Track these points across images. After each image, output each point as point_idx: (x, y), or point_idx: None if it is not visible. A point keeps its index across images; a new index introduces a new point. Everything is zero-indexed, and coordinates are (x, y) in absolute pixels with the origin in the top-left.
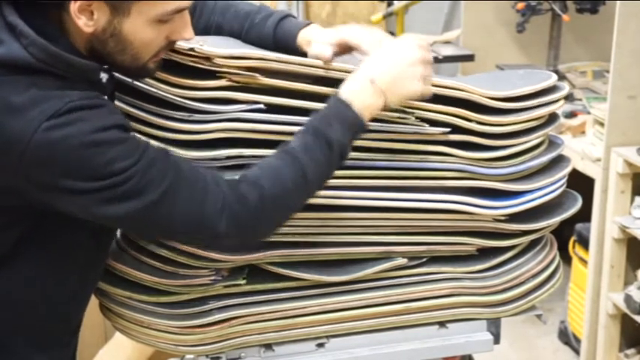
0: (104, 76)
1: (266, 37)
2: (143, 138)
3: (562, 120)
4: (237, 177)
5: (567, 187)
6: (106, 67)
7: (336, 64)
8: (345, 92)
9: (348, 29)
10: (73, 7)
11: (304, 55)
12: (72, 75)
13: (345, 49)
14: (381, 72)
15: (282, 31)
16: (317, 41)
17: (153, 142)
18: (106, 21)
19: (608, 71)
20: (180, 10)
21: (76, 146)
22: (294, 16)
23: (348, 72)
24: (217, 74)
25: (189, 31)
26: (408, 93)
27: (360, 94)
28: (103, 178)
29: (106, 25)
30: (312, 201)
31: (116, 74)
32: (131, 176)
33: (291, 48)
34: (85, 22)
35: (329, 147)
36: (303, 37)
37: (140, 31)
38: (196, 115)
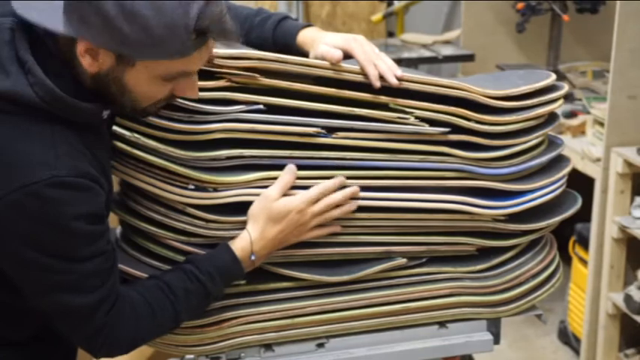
0: (105, 113)
1: (265, 38)
2: (110, 242)
3: (562, 120)
4: (127, 312)
5: (567, 187)
6: (105, 106)
7: (343, 64)
8: (237, 250)
9: (346, 42)
10: (80, 46)
11: (304, 56)
12: (73, 117)
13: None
14: (270, 243)
15: (282, 32)
16: (325, 43)
17: (112, 247)
18: (109, 66)
19: (608, 71)
20: (185, 74)
21: (43, 222)
22: (292, 18)
23: (351, 72)
24: (217, 75)
25: (194, 92)
26: (290, 244)
27: (246, 259)
28: (53, 256)
29: (108, 70)
30: None
31: None
32: (76, 271)
33: (291, 49)
34: (89, 62)
35: (206, 298)
36: (303, 38)
37: (142, 84)
38: (196, 116)
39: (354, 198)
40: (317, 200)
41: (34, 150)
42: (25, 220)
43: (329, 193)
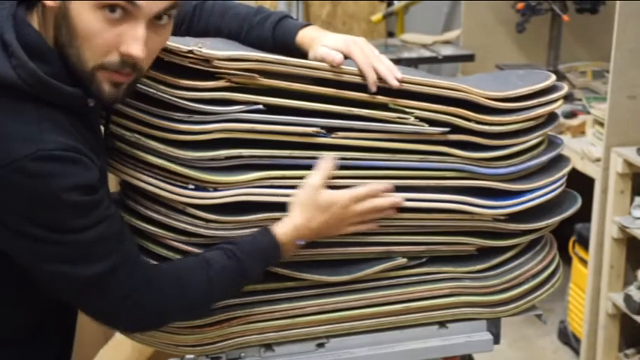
0: (91, 101)
1: (265, 37)
2: (111, 207)
3: (562, 120)
4: (155, 281)
5: (567, 186)
6: (85, 93)
7: (343, 66)
8: (279, 235)
9: (345, 45)
10: None
11: (303, 55)
12: (57, 101)
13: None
14: (313, 232)
15: (281, 31)
16: (325, 44)
17: (115, 215)
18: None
19: (608, 71)
20: (127, 12)
21: (33, 196)
22: (292, 17)
23: (350, 74)
24: (216, 75)
25: (136, 47)
26: (329, 236)
27: (288, 244)
28: (52, 230)
29: (60, 3)
30: None
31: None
32: (78, 241)
33: (291, 48)
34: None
35: (242, 277)
36: (302, 38)
37: (84, 14)
38: (195, 116)
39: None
40: (363, 199)
41: (17, 127)
42: (15, 196)
43: (375, 195)
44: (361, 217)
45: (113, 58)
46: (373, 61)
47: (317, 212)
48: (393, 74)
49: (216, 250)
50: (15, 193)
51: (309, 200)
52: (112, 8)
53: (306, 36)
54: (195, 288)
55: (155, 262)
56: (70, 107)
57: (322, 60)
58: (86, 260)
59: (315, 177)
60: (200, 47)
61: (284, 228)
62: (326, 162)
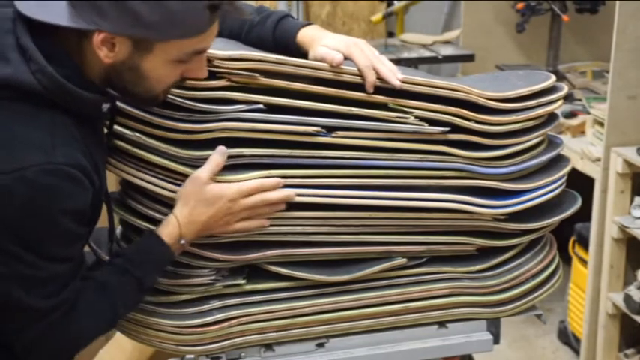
0: (105, 106)
1: (266, 37)
2: (82, 252)
3: (562, 120)
4: (70, 318)
5: (567, 186)
6: (106, 98)
7: (343, 66)
8: (165, 236)
9: (346, 47)
10: (97, 38)
11: (304, 54)
12: (74, 106)
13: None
14: (199, 226)
15: (282, 30)
16: (325, 45)
17: (80, 258)
18: (126, 55)
19: (607, 71)
20: (200, 52)
21: (29, 210)
22: (292, 17)
23: (350, 74)
24: (217, 74)
25: (204, 71)
26: (217, 233)
27: (175, 243)
28: (28, 247)
29: (125, 58)
30: (312, 200)
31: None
32: (44, 268)
33: (291, 47)
34: (105, 53)
35: (141, 288)
36: (303, 37)
37: (158, 68)
38: (196, 115)
39: (353, 197)
40: (251, 194)
41: (31, 134)
42: (11, 206)
43: (265, 190)
44: (250, 211)
45: (177, 80)
46: (374, 62)
47: (201, 206)
48: (395, 75)
49: (109, 267)
50: (12, 204)
51: (193, 194)
52: (185, 59)
53: (307, 35)
54: (103, 316)
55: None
56: (84, 113)
57: (322, 60)
58: (39, 290)
59: (202, 170)
60: None
61: (169, 227)
62: (216, 156)
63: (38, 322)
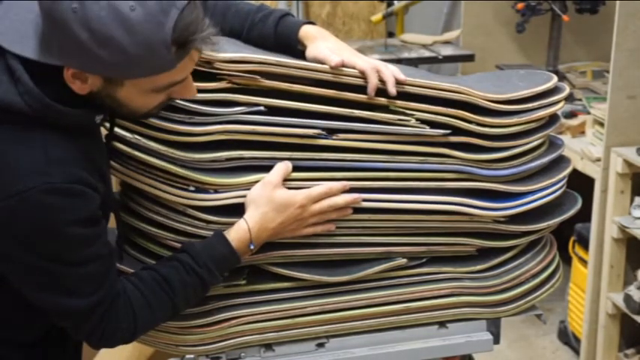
0: (98, 118)
1: (267, 35)
2: (107, 244)
3: (562, 120)
4: (121, 311)
5: (567, 187)
6: (97, 110)
7: (345, 69)
8: (235, 241)
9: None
10: (67, 73)
11: (305, 53)
12: (65, 123)
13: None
14: (269, 232)
15: (283, 28)
16: (328, 48)
17: (108, 253)
18: (99, 87)
19: (608, 71)
20: (175, 84)
21: (37, 228)
22: (293, 15)
23: (351, 77)
24: (218, 76)
25: (191, 93)
26: (285, 237)
27: (244, 248)
28: (49, 259)
29: (99, 89)
30: None
31: None
32: (71, 274)
33: (293, 46)
34: (78, 86)
35: (203, 288)
36: (305, 34)
37: (135, 98)
38: (197, 117)
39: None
40: (320, 199)
41: (25, 157)
42: (19, 226)
43: (332, 194)
44: (319, 217)
45: (164, 102)
46: (376, 64)
47: (273, 212)
48: (396, 75)
49: (174, 263)
50: (20, 223)
51: (264, 198)
52: (161, 90)
53: (309, 32)
54: (162, 309)
55: (128, 291)
56: (78, 128)
57: (322, 61)
58: (73, 293)
59: (272, 175)
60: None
61: (240, 232)
62: (285, 163)
63: (88, 319)
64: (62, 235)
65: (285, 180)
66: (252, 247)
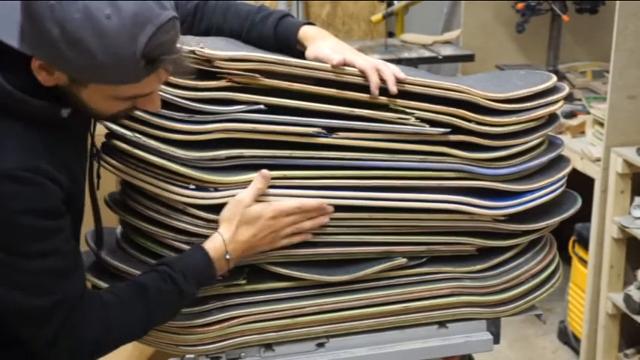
0: (65, 112)
1: (267, 36)
2: (69, 242)
3: (562, 120)
4: (94, 314)
5: (567, 186)
6: (65, 105)
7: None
8: (210, 251)
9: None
10: (34, 63)
11: (304, 53)
12: (27, 114)
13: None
14: (243, 246)
15: (283, 28)
16: (329, 47)
17: (71, 250)
18: (64, 83)
19: (608, 71)
20: (139, 96)
21: None
22: (293, 16)
23: (352, 75)
24: (218, 75)
25: (154, 106)
26: (263, 250)
27: (220, 260)
28: (3, 251)
29: (64, 85)
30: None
31: None
32: (28, 268)
33: (292, 46)
34: (44, 78)
35: (180, 298)
36: (304, 34)
37: (98, 101)
38: (197, 116)
39: (353, 198)
40: (291, 214)
41: None
42: None
43: (304, 211)
44: (293, 227)
45: (128, 109)
46: (377, 64)
47: (245, 226)
48: (396, 75)
49: (151, 273)
50: None
51: (235, 215)
52: (125, 98)
53: (308, 32)
54: (134, 319)
55: (102, 294)
56: (42, 120)
57: (322, 60)
58: (30, 290)
59: (243, 193)
60: (202, 47)
61: (214, 244)
62: (259, 179)
63: (46, 322)
64: (14, 224)
65: (286, 178)
66: (228, 257)
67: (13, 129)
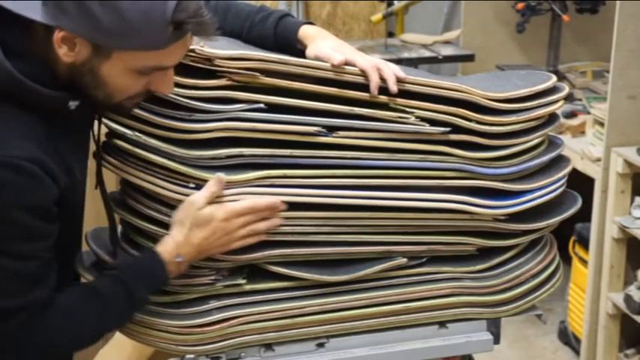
0: (73, 104)
1: (267, 35)
2: (50, 250)
3: (562, 120)
4: (48, 319)
5: (567, 186)
6: (72, 96)
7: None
8: (162, 253)
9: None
10: (57, 35)
11: (304, 54)
12: (34, 103)
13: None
14: (196, 248)
15: (283, 28)
16: (330, 47)
17: (48, 256)
18: (85, 57)
19: (608, 71)
20: (161, 68)
21: None
22: (293, 16)
23: (352, 74)
24: (218, 74)
25: (168, 87)
26: (218, 252)
27: (172, 263)
28: None
29: (85, 60)
30: (313, 200)
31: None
32: (2, 267)
33: (292, 46)
34: (65, 52)
35: (131, 302)
36: (305, 33)
37: (117, 76)
38: (197, 115)
39: (353, 197)
40: (244, 214)
41: None
42: None
43: (257, 211)
44: (247, 228)
45: (140, 93)
46: (377, 63)
47: (195, 228)
48: (396, 74)
49: (101, 277)
50: None
51: (187, 217)
52: (146, 72)
53: (308, 32)
54: (86, 324)
55: (54, 299)
56: (49, 110)
57: (323, 59)
58: (6, 290)
59: (198, 196)
60: (202, 46)
61: (165, 246)
62: (214, 182)
63: (4, 322)
64: (7, 218)
65: (286, 177)
66: (179, 259)
67: (18, 117)
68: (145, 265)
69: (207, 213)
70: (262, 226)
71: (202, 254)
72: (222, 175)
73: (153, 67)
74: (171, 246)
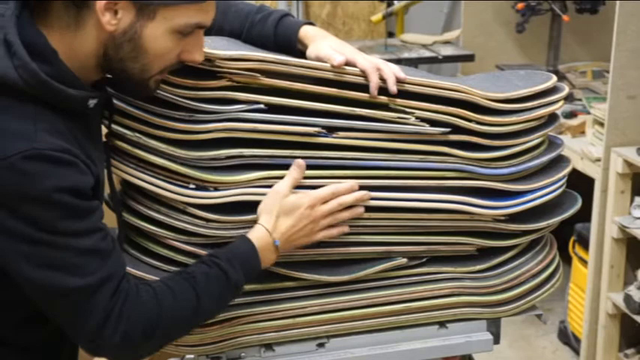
0: (92, 102)
1: (267, 35)
2: (104, 225)
3: (562, 120)
4: (142, 294)
5: (567, 187)
6: (93, 95)
7: (346, 67)
8: (255, 240)
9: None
10: (100, 4)
11: (304, 54)
12: (58, 103)
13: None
14: (283, 237)
15: (283, 28)
16: (330, 46)
17: (108, 231)
18: (128, 22)
19: (608, 71)
20: (201, 27)
21: (22, 195)
22: (293, 16)
23: (352, 75)
24: (218, 74)
25: (200, 54)
26: (302, 244)
27: (264, 250)
28: (41, 229)
29: (127, 27)
30: None
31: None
32: (68, 246)
33: (292, 46)
34: (108, 19)
35: (228, 284)
36: (305, 33)
37: (159, 38)
38: (197, 115)
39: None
40: (327, 200)
41: (12, 124)
42: (6, 190)
43: (340, 194)
44: (330, 218)
45: (173, 63)
46: (377, 64)
47: (283, 216)
48: (396, 75)
49: (197, 262)
50: (4, 187)
51: (274, 206)
52: (186, 31)
53: (309, 32)
54: (185, 301)
55: (146, 282)
56: (69, 109)
57: (324, 60)
58: (73, 270)
59: (281, 185)
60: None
61: (257, 234)
62: (295, 169)
63: (94, 301)
64: (51, 202)
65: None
66: (277, 243)
67: (45, 114)
68: (242, 254)
69: (293, 200)
70: (346, 214)
71: (288, 244)
72: (301, 161)
73: (195, 25)
74: (263, 233)
